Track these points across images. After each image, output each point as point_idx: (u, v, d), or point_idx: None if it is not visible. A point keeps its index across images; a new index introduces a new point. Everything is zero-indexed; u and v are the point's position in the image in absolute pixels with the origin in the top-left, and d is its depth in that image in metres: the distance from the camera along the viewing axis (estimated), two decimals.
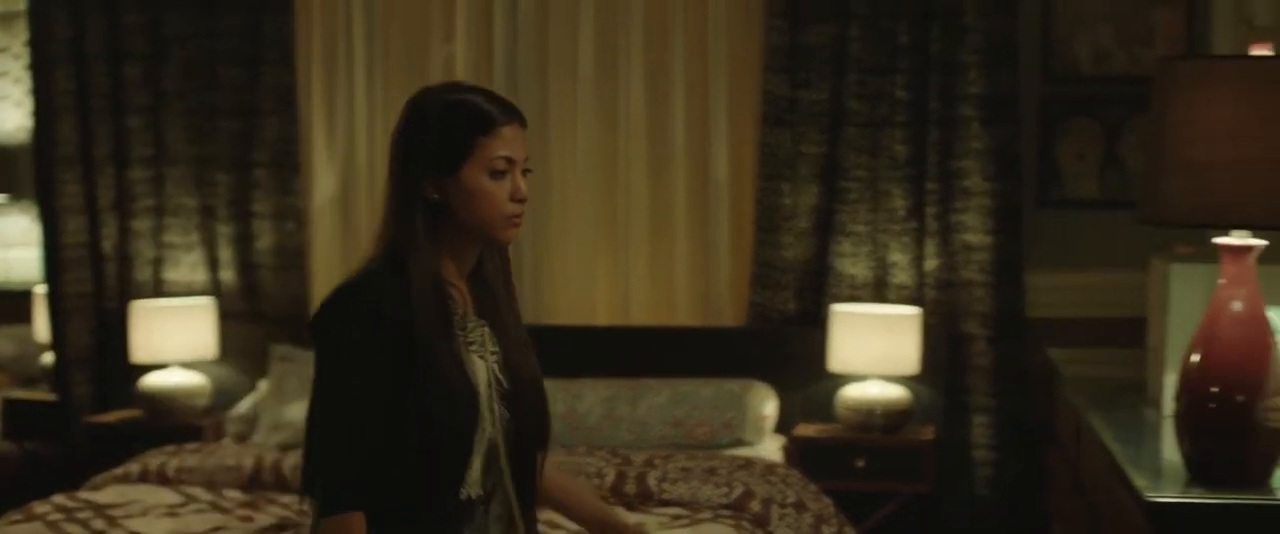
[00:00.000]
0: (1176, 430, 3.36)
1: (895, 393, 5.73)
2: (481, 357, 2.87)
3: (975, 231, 5.88)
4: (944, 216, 5.92)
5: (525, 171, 2.86)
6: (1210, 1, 5.77)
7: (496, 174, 2.81)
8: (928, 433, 5.79)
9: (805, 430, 5.81)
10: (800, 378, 5.96)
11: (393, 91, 6.36)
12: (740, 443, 5.71)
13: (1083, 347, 5.49)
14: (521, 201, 2.85)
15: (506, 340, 2.93)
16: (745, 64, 6.12)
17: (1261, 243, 3.30)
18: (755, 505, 4.90)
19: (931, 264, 5.94)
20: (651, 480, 5.05)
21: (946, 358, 5.95)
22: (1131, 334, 4.79)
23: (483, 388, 2.84)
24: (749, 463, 5.30)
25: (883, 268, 5.98)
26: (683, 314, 6.22)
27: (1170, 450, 3.51)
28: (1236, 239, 3.29)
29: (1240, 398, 3.22)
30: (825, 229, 6.01)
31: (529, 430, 2.92)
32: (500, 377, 2.89)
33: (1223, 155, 3.17)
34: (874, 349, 5.71)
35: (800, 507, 5.02)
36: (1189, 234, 4.26)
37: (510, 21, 6.26)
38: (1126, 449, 3.71)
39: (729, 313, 6.20)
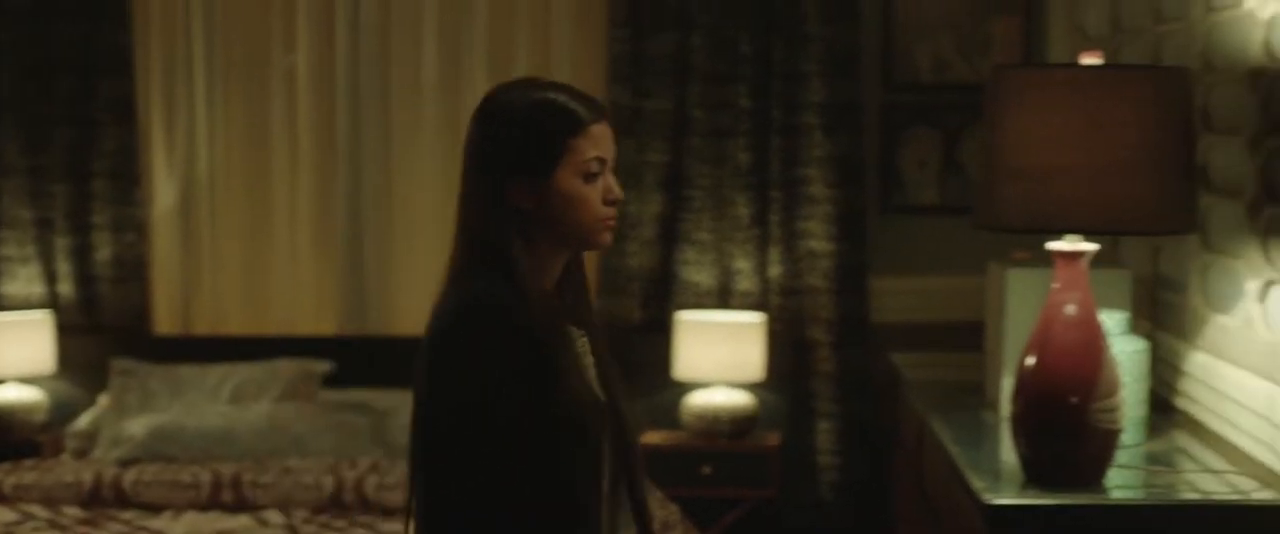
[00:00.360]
0: (1012, 432, 3.41)
1: (740, 399, 5.76)
2: (589, 367, 2.72)
3: (818, 238, 5.94)
4: (788, 224, 5.97)
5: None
6: (1046, 11, 5.88)
7: (590, 176, 2.63)
8: (773, 439, 5.83)
9: (651, 438, 5.82)
10: (646, 385, 5.97)
11: (233, 101, 6.29)
12: None
13: (925, 351, 5.55)
14: (615, 204, 2.67)
15: (597, 349, 2.76)
16: (588, 73, 6.13)
17: (1093, 247, 3.36)
18: None
19: (775, 271, 5.99)
20: None
21: (791, 364, 6.00)
22: (972, 338, 4.85)
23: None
24: None
25: (727, 275, 6.02)
26: None
27: (1008, 452, 3.56)
28: (1069, 244, 3.35)
29: (1074, 400, 3.28)
30: (670, 237, 6.04)
31: (630, 441, 2.76)
32: (597, 387, 2.71)
33: (1054, 161, 3.22)
34: (719, 356, 5.74)
35: None
36: (1026, 239, 4.33)
37: (352, 30, 6.22)
38: (966, 452, 3.76)
39: None
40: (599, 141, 2.64)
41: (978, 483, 3.42)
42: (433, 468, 2.56)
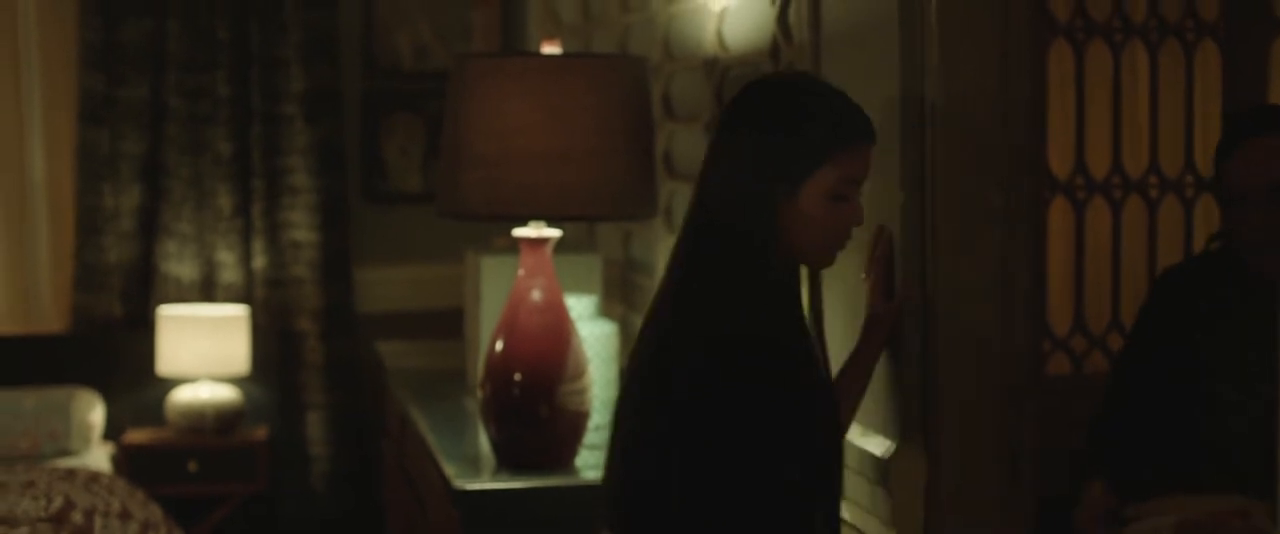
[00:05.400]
0: (483, 417, 3.45)
1: (226, 394, 5.66)
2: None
3: (302, 228, 5.88)
4: (270, 214, 5.89)
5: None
6: None
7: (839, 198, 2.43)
8: (261, 432, 5.75)
9: (135, 436, 5.66)
10: (129, 383, 5.81)
11: None
12: (67, 453, 5.52)
13: (411, 339, 5.57)
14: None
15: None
16: (60, 61, 5.90)
17: (556, 233, 3.42)
18: (77, 517, 4.74)
19: (259, 262, 5.90)
20: None
21: (278, 356, 5.93)
22: (457, 325, 4.89)
23: None
24: (71, 473, 5.12)
25: (210, 267, 5.90)
26: (2, 321, 5.96)
27: (485, 438, 3.60)
28: (533, 230, 3.41)
29: (540, 383, 3.33)
30: (150, 230, 5.88)
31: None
32: None
33: (515, 149, 3.26)
34: (203, 350, 5.62)
35: (126, 515, 4.89)
36: (507, 226, 4.39)
37: None
38: (443, 439, 3.78)
39: (51, 318, 5.98)
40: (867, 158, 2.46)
41: (450, 469, 3.44)
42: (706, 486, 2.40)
